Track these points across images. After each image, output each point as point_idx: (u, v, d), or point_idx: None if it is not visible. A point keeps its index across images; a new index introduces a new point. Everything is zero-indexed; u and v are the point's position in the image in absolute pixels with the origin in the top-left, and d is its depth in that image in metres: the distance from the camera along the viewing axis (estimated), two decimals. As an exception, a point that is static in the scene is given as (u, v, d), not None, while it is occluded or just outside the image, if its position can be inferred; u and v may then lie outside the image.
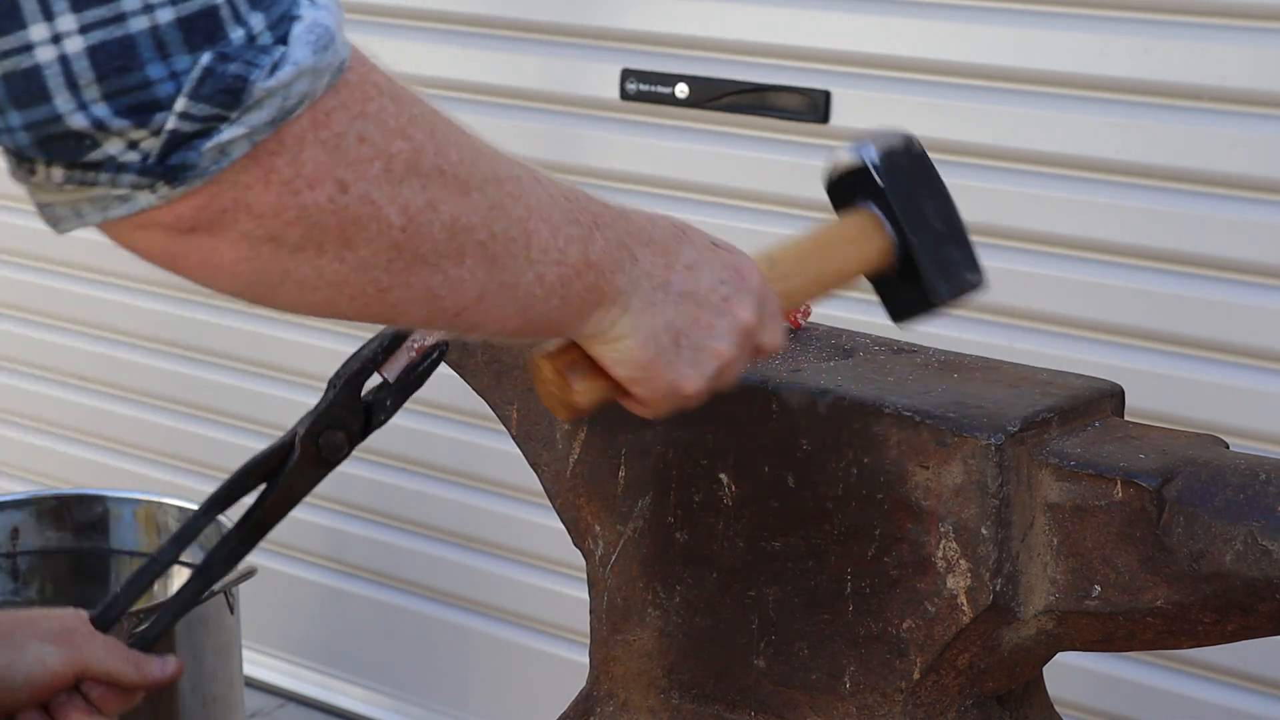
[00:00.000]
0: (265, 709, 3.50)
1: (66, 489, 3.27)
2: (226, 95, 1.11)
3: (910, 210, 1.64)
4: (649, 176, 2.97)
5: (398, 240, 1.22)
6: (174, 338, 3.58)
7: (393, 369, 1.72)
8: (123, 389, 3.68)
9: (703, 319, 1.45)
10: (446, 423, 3.26)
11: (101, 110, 1.10)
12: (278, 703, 3.52)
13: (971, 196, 2.71)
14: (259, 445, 3.64)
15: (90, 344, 3.70)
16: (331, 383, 1.73)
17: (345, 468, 3.67)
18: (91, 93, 1.10)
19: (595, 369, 1.46)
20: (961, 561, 1.61)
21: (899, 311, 1.65)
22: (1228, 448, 1.67)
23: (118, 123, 1.11)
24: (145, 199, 1.15)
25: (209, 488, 3.70)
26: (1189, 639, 1.63)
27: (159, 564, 1.74)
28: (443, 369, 1.95)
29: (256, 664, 3.51)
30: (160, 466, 3.63)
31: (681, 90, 2.93)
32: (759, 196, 2.89)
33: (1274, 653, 2.57)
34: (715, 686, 1.76)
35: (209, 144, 1.13)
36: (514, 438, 1.87)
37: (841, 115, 2.81)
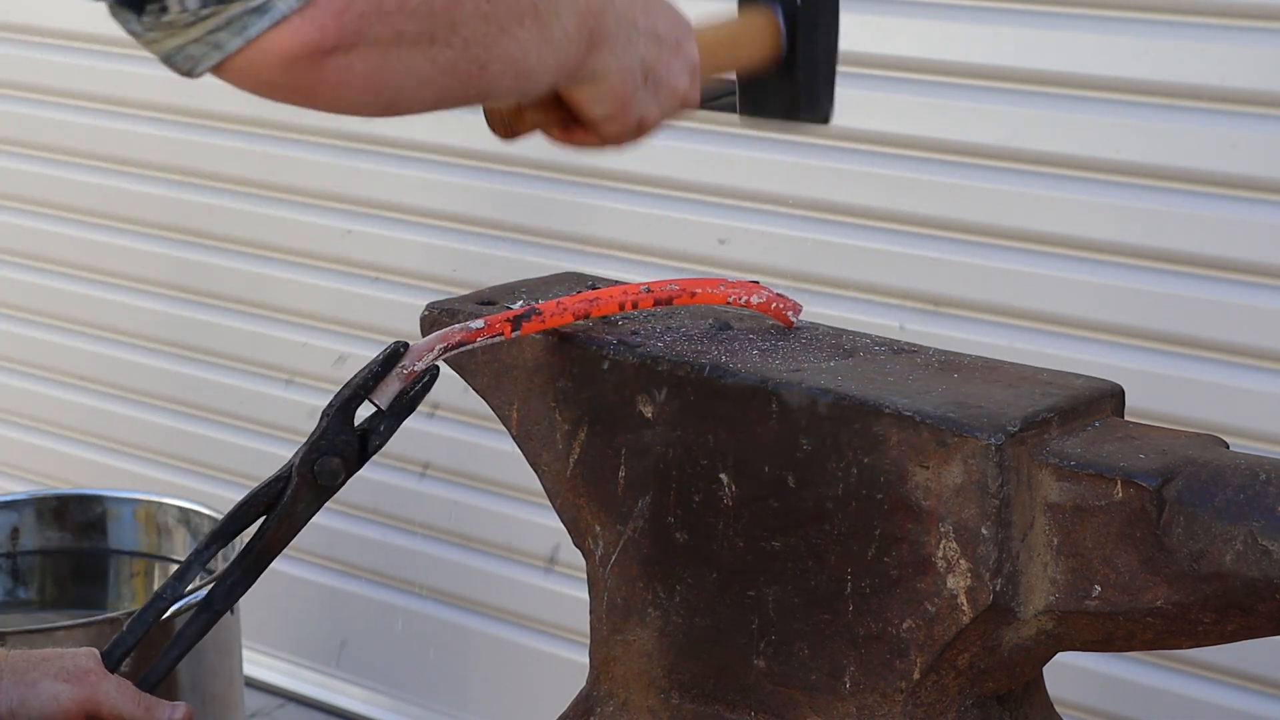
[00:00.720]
0: (265, 709, 3.50)
1: (66, 489, 3.27)
2: None
3: (810, 34, 1.75)
4: (649, 176, 2.97)
5: (485, 11, 1.34)
6: (174, 338, 3.58)
7: (384, 395, 1.73)
8: (123, 389, 3.68)
9: (663, 56, 1.57)
10: (446, 423, 3.26)
11: None
12: (278, 703, 3.52)
13: (972, 196, 2.72)
14: (259, 445, 3.65)
15: (90, 344, 3.70)
16: (325, 412, 1.74)
17: (345, 468, 3.64)
18: None
19: (549, 99, 1.54)
20: (961, 561, 1.61)
21: (750, 107, 1.75)
22: (1228, 448, 1.67)
23: None
24: (284, 5, 1.21)
25: (208, 487, 3.73)
26: (1189, 639, 1.63)
27: (164, 600, 1.77)
28: (443, 368, 1.95)
29: (256, 664, 3.51)
30: (160, 466, 3.63)
31: (681, 90, 2.92)
32: (759, 196, 2.89)
33: (1274, 653, 2.57)
34: (715, 686, 1.76)
35: None
36: (514, 438, 1.87)
37: (841, 115, 2.80)
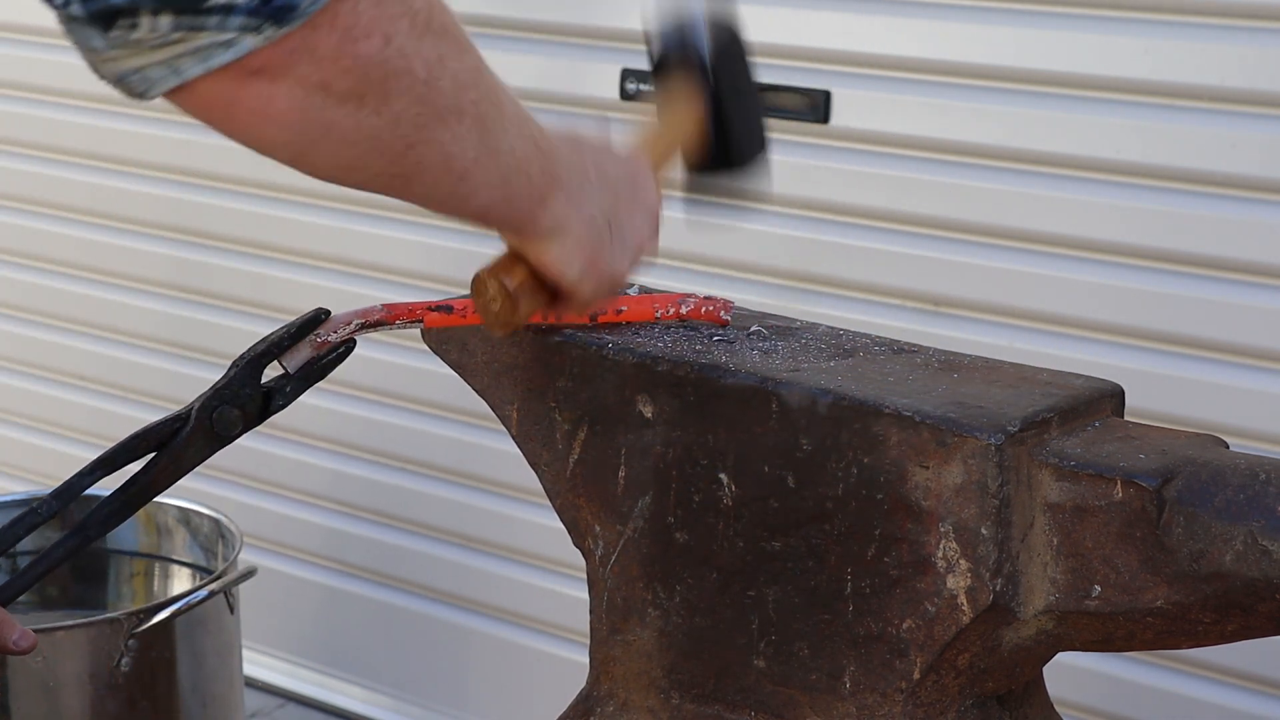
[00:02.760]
0: (265, 709, 3.50)
1: (66, 489, 3.27)
2: None
3: (731, 100, 1.78)
4: (649, 176, 2.97)
5: (422, 94, 1.31)
6: (174, 338, 3.58)
7: (294, 360, 1.74)
8: (123, 389, 3.68)
9: (622, 206, 1.55)
10: (446, 423, 3.26)
11: None
12: (278, 703, 3.52)
13: (972, 196, 2.72)
14: (258, 445, 3.64)
15: (90, 344, 3.70)
16: (234, 363, 1.75)
17: (345, 468, 3.69)
18: None
19: (536, 285, 1.54)
20: (961, 561, 1.61)
21: (697, 187, 1.78)
22: (1228, 448, 1.67)
23: None
24: (250, 42, 1.22)
25: (208, 487, 3.72)
26: (1189, 639, 1.63)
27: (38, 515, 1.76)
28: (443, 369, 1.95)
29: (256, 664, 3.51)
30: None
31: (681, 90, 2.92)
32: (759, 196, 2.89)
33: (1274, 653, 2.57)
34: (715, 686, 1.76)
35: None
36: (514, 438, 1.87)
37: (841, 115, 2.81)
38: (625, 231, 1.55)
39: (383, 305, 1.80)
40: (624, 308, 1.82)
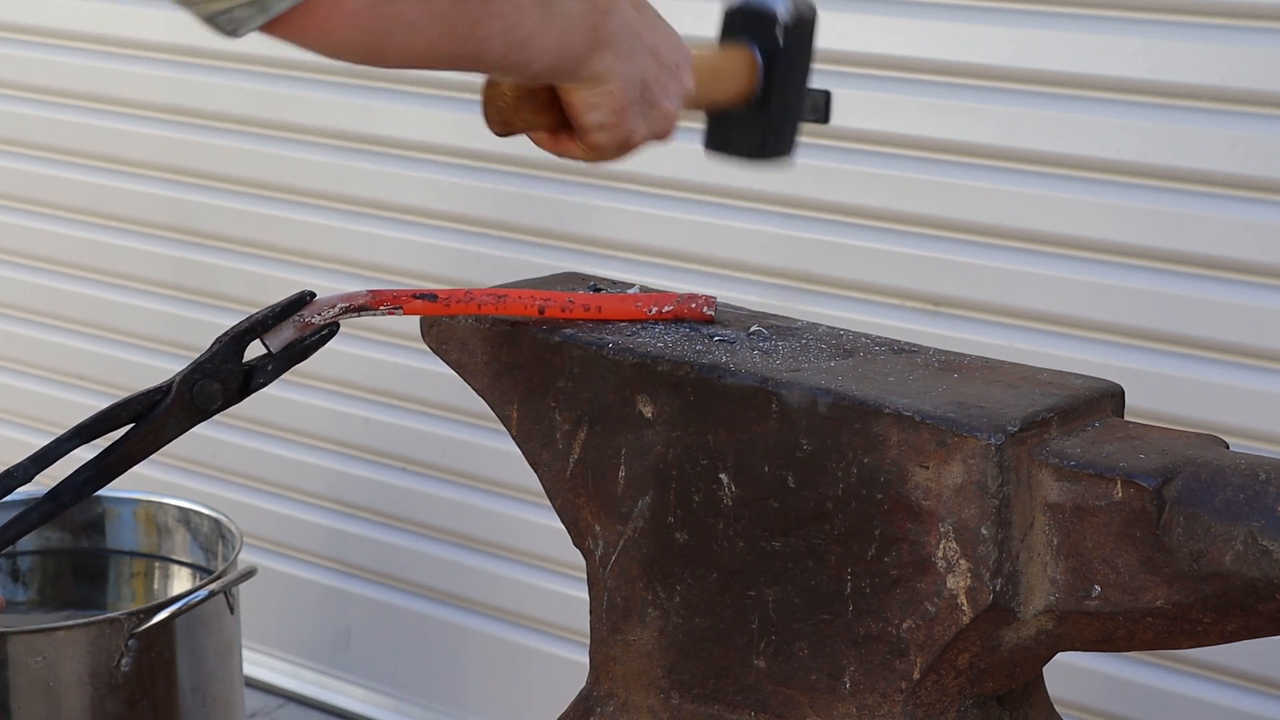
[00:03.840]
0: (265, 709, 3.50)
1: (66, 489, 3.27)
2: None
3: (788, 74, 1.82)
4: (648, 177, 2.97)
5: None
6: (174, 337, 3.58)
7: (276, 339, 1.74)
8: (123, 389, 3.67)
9: (663, 77, 1.60)
10: (446, 423, 3.26)
11: None
12: (278, 703, 3.52)
13: (972, 196, 2.72)
14: (259, 445, 3.65)
15: (90, 344, 3.70)
16: (218, 339, 1.76)
17: (345, 467, 3.69)
18: None
19: (548, 102, 1.57)
20: (961, 561, 1.61)
21: (717, 143, 1.83)
22: (1228, 448, 1.67)
23: None
24: None
25: (208, 487, 3.72)
26: (1189, 639, 1.63)
27: (14, 479, 1.77)
28: (443, 369, 1.95)
29: (256, 664, 3.51)
30: (159, 466, 3.63)
31: (681, 90, 2.92)
32: (759, 196, 2.89)
33: (1274, 653, 2.57)
34: (715, 686, 1.76)
35: None
36: (514, 438, 1.87)
37: (841, 115, 2.80)
38: (656, 100, 1.59)
39: (368, 291, 1.80)
40: (603, 306, 1.83)
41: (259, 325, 1.75)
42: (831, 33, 2.80)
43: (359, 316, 1.79)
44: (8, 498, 1.74)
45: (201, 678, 2.76)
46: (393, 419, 3.32)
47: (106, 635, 2.63)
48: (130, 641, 2.63)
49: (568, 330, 1.81)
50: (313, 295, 1.78)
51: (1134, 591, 1.59)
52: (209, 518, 2.95)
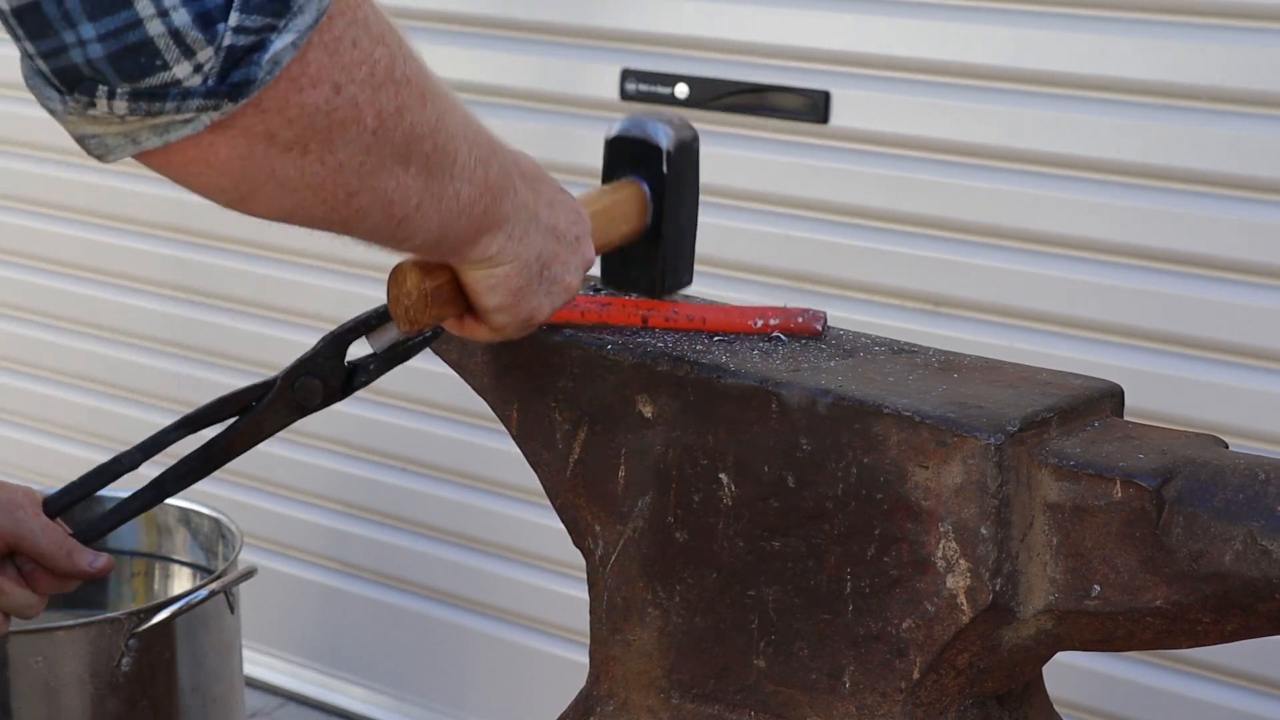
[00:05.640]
0: (265, 709, 3.50)
1: (67, 489, 3.27)
2: (276, 3, 1.16)
3: (678, 207, 1.83)
4: (649, 176, 2.97)
5: (369, 143, 1.28)
6: (174, 338, 3.58)
7: (381, 339, 1.74)
8: (123, 389, 3.68)
9: (561, 254, 1.57)
10: (446, 423, 3.26)
11: (181, 17, 1.13)
12: (278, 703, 3.52)
13: (971, 196, 2.72)
14: (260, 445, 3.64)
15: (90, 344, 3.71)
16: (324, 338, 1.77)
17: (345, 468, 3.68)
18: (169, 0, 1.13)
19: (452, 293, 1.56)
20: (961, 561, 1.61)
21: (613, 279, 1.84)
22: (1227, 448, 1.67)
23: (193, 34, 1.13)
24: (208, 118, 1.19)
25: (208, 487, 3.72)
26: (1189, 639, 1.63)
27: (122, 465, 1.79)
28: (443, 369, 1.95)
29: (256, 664, 3.51)
30: (160, 466, 3.63)
31: (681, 90, 2.93)
32: (759, 196, 2.90)
33: (1274, 653, 2.57)
34: (715, 686, 1.76)
35: (266, 55, 1.16)
36: (514, 438, 1.87)
37: (841, 115, 2.81)
38: (557, 277, 1.58)
39: None
40: (709, 317, 1.84)
41: (363, 325, 1.75)
42: (832, 33, 2.81)
43: None
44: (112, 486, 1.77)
45: (202, 678, 2.76)
46: (393, 419, 3.33)
47: (107, 635, 2.64)
48: (130, 641, 2.63)
49: (568, 330, 1.81)
50: None
51: (1133, 591, 1.59)
52: (209, 518, 2.95)
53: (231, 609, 2.79)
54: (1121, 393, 1.74)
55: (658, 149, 1.81)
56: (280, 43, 1.17)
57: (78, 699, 2.64)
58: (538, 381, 1.83)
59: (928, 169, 2.75)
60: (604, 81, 3.00)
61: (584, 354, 1.79)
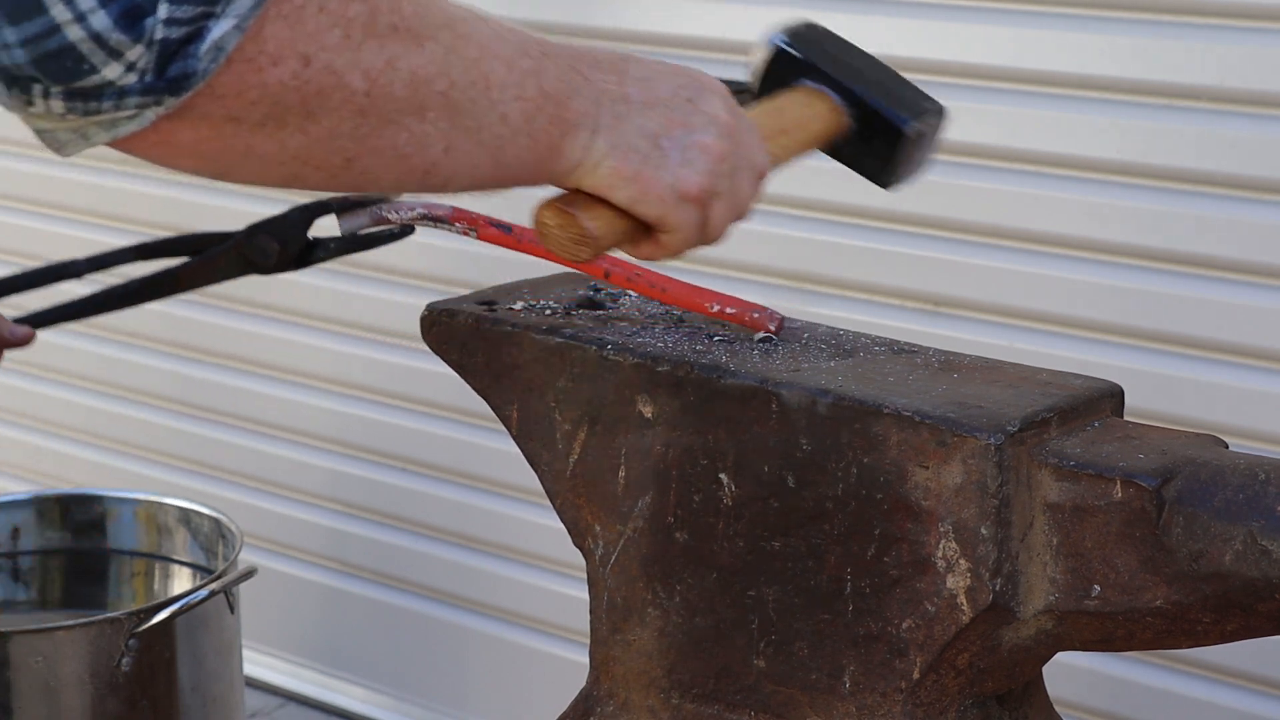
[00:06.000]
0: (265, 709, 3.50)
1: (66, 489, 3.27)
2: None
3: (841, 67, 1.69)
4: (649, 176, 2.97)
5: (362, 105, 1.20)
6: (174, 338, 3.58)
7: (350, 223, 1.74)
8: (123, 389, 3.68)
9: (675, 117, 1.43)
10: (446, 423, 3.26)
11: (100, 20, 1.08)
12: (278, 703, 3.52)
13: (972, 196, 2.72)
14: (259, 445, 3.63)
15: (90, 344, 3.70)
16: (295, 207, 1.76)
17: (345, 468, 3.67)
18: (85, 1, 1.07)
19: (600, 202, 1.43)
20: (961, 561, 1.61)
21: (877, 169, 1.71)
22: (1227, 448, 1.67)
23: (117, 36, 1.08)
24: (154, 113, 1.14)
25: (208, 487, 3.71)
26: (1189, 639, 1.63)
27: (68, 271, 1.78)
28: (443, 369, 1.95)
29: (256, 664, 3.51)
30: (160, 466, 3.63)
31: (681, 90, 2.92)
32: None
33: (1274, 653, 2.57)
34: (715, 686, 1.76)
35: (204, 46, 1.10)
36: (514, 438, 1.87)
37: (841, 115, 2.80)
38: (682, 142, 1.42)
39: (451, 206, 1.79)
40: (668, 288, 1.82)
41: (336, 203, 1.74)
42: (831, 33, 2.80)
43: (434, 227, 1.78)
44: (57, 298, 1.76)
45: (201, 678, 2.76)
46: (393, 419, 3.32)
47: (107, 635, 2.64)
48: (130, 641, 2.63)
49: (567, 330, 1.81)
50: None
51: (1133, 591, 1.59)
52: (209, 518, 2.95)
53: (231, 609, 2.79)
54: (1121, 393, 1.74)
55: (781, 52, 1.70)
56: (219, 29, 1.10)
57: (78, 699, 2.64)
58: (538, 381, 1.83)
59: (928, 169, 2.74)
60: (604, 81, 3.00)
61: (584, 354, 1.79)
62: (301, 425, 3.40)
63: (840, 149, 1.69)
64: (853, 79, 1.68)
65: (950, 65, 2.70)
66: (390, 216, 1.76)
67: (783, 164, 1.62)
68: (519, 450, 1.87)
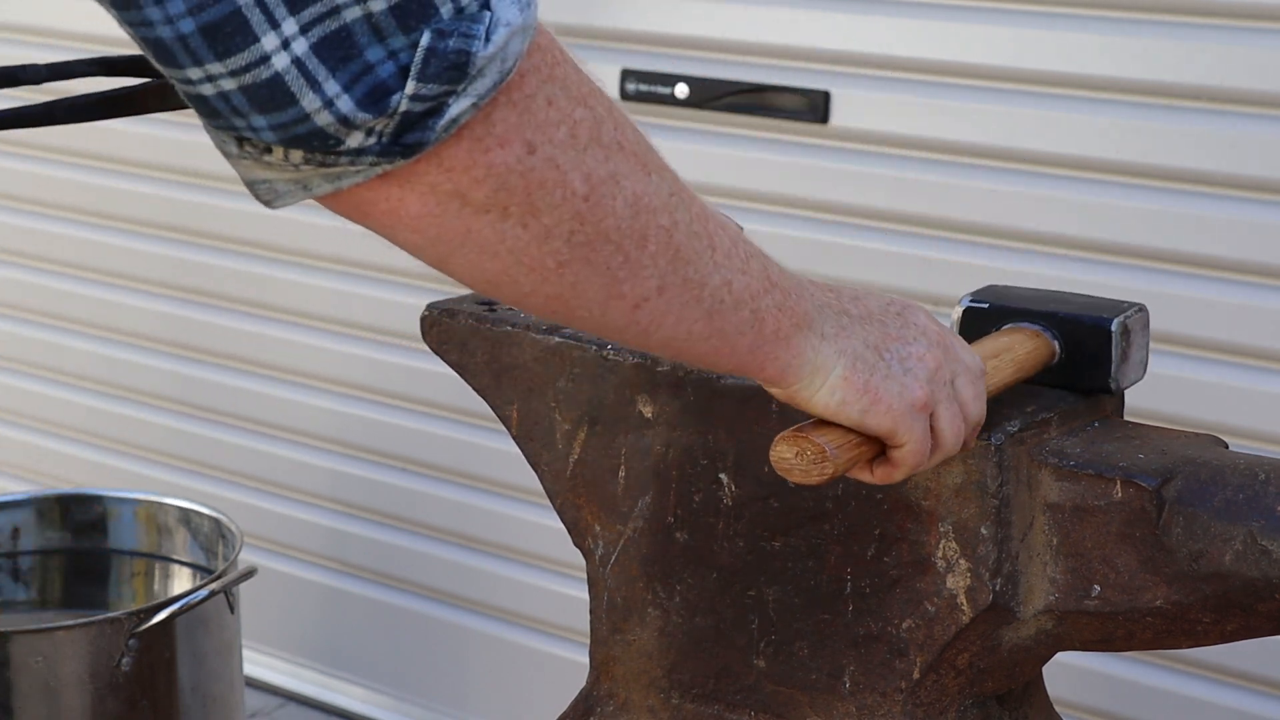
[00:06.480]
0: (265, 709, 3.50)
1: (66, 489, 3.27)
2: (453, 71, 1.12)
3: (1030, 301, 1.73)
4: (649, 176, 2.97)
5: (580, 210, 1.21)
6: (174, 338, 3.58)
7: None
8: (123, 389, 3.68)
9: (890, 330, 1.44)
10: (446, 423, 3.26)
11: (345, 104, 1.11)
12: (278, 703, 3.52)
13: (971, 196, 2.72)
14: (259, 445, 3.64)
15: (90, 344, 3.71)
16: None
17: (345, 468, 3.67)
18: (331, 87, 1.11)
19: (828, 424, 1.43)
20: (961, 561, 1.61)
21: (1097, 376, 1.71)
22: (1227, 448, 1.67)
23: (361, 115, 1.11)
24: (382, 169, 1.16)
25: (208, 487, 3.71)
26: (1189, 639, 1.63)
27: (26, 75, 1.73)
28: (443, 369, 1.95)
29: (256, 664, 3.51)
30: (160, 466, 3.63)
31: (681, 90, 2.93)
32: (759, 196, 2.90)
33: (1274, 653, 2.57)
34: (715, 686, 1.76)
35: (442, 120, 1.14)
36: (514, 438, 1.87)
37: (841, 115, 2.81)
38: (901, 355, 1.43)
39: None
40: None
41: None
42: (831, 33, 2.81)
43: None
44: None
45: (202, 677, 2.76)
46: (393, 419, 3.33)
47: (107, 635, 2.64)
48: (130, 641, 2.63)
49: (567, 330, 1.81)
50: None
51: (1133, 591, 1.59)
52: (209, 518, 2.95)
53: (231, 609, 2.79)
54: (1122, 392, 1.74)
55: (982, 310, 1.74)
56: (458, 106, 1.13)
57: (78, 699, 2.64)
58: (538, 381, 1.83)
59: (928, 169, 2.75)
60: (603, 81, 3.00)
61: (584, 354, 1.79)
62: (301, 425, 3.40)
63: (1055, 370, 1.71)
64: (1045, 304, 1.72)
65: (950, 65, 2.70)
66: None
67: (998, 390, 1.63)
68: (519, 450, 1.87)
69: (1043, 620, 1.64)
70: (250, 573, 2.79)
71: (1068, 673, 2.62)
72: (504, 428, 1.88)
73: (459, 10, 1.12)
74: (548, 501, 1.85)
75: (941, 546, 1.62)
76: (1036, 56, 2.63)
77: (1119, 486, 1.58)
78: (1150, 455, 1.61)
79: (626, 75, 2.97)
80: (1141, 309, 1.74)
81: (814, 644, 1.70)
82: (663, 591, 1.77)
